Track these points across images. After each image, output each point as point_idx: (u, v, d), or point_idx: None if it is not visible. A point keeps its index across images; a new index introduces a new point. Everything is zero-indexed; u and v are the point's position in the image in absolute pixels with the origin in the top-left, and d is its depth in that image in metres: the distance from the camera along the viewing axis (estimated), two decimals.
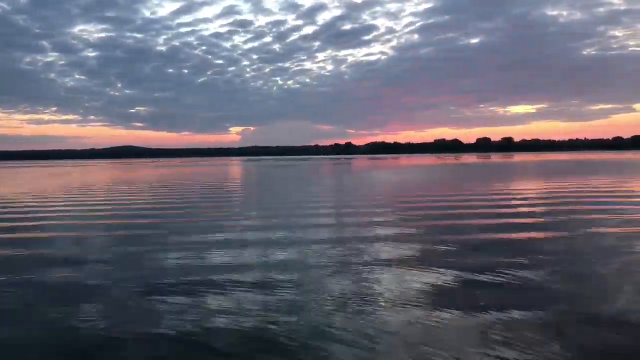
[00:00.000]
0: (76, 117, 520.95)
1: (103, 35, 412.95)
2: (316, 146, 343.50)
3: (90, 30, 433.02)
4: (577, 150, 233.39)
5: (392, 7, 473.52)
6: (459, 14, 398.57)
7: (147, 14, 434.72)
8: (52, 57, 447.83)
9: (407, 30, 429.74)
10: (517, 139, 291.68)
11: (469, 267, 7.62)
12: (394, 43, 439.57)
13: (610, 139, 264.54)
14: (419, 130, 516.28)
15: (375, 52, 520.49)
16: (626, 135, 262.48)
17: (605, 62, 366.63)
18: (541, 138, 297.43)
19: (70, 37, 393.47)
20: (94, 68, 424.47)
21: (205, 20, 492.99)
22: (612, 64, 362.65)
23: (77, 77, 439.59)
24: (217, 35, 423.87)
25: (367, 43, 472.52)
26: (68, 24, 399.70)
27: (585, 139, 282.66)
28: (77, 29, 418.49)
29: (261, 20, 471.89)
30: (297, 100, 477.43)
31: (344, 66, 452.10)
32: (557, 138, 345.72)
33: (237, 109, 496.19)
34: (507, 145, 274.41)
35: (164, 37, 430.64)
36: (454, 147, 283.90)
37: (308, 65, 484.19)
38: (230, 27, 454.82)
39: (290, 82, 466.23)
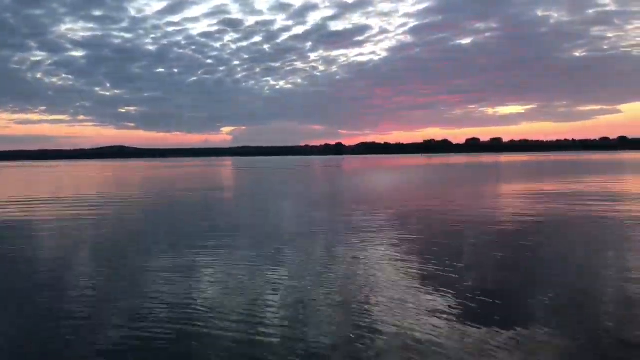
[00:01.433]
0: (65, 116, 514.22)
1: (90, 34, 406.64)
2: (306, 146, 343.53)
3: (76, 29, 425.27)
4: (564, 151, 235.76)
5: (384, 7, 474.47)
6: (451, 14, 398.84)
7: (134, 13, 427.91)
8: (38, 56, 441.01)
9: (399, 30, 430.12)
10: (507, 139, 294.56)
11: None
12: (386, 43, 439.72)
13: (597, 139, 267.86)
14: (410, 131, 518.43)
15: (367, 52, 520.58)
16: (613, 135, 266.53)
17: (595, 63, 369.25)
18: (532, 138, 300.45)
19: (57, 36, 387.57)
20: (82, 67, 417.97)
21: (194, 20, 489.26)
22: (602, 64, 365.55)
23: (66, 76, 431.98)
24: (206, 35, 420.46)
25: (359, 43, 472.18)
26: (54, 23, 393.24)
27: (573, 139, 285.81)
28: (64, 28, 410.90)
29: (250, 20, 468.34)
30: (288, 100, 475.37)
31: (335, 66, 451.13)
32: (546, 138, 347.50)
33: (228, 108, 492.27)
34: (496, 146, 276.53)
35: (152, 36, 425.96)
36: (443, 147, 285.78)
37: (299, 65, 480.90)
38: (219, 27, 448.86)
39: (281, 82, 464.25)
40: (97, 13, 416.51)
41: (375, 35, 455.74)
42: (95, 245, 12.29)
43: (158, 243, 12.33)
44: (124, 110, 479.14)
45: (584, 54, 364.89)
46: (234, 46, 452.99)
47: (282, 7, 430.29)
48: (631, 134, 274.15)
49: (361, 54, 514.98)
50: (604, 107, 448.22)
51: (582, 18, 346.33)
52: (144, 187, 36.58)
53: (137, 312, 6.78)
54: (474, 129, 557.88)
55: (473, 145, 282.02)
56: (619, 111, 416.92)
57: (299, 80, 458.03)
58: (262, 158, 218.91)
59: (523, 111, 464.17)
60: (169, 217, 18.01)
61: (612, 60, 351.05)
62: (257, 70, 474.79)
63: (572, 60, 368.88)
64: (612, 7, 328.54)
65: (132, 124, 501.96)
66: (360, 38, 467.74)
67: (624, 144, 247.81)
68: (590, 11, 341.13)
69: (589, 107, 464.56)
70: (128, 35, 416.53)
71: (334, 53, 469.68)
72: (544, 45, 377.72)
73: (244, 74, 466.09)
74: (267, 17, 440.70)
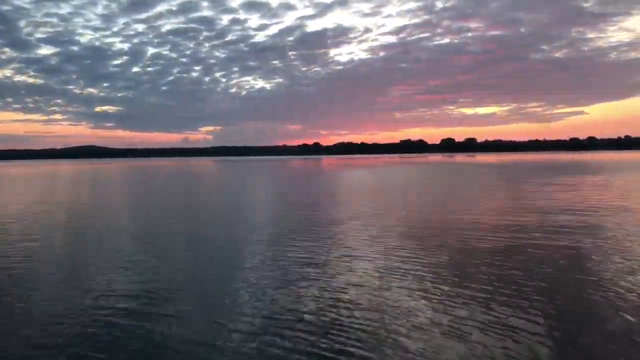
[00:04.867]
0: (40, 115, 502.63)
1: (59, 30, 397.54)
2: (284, 146, 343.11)
3: (45, 26, 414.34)
4: (536, 151, 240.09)
5: (364, 7, 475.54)
6: (432, 15, 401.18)
7: (102, 10, 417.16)
8: (7, 53, 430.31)
9: (379, 31, 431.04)
10: (489, 139, 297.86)
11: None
12: (366, 43, 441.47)
13: (568, 139, 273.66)
14: (389, 130, 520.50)
15: (346, 52, 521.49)
16: (583, 136, 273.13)
17: (573, 65, 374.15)
18: (509, 139, 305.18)
19: (25, 34, 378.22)
20: (54, 66, 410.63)
21: (165, 17, 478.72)
22: (579, 66, 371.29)
23: (36, 74, 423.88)
24: (179, 33, 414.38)
25: (339, 44, 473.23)
26: (21, 19, 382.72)
27: (545, 139, 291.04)
28: (32, 25, 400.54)
29: (224, 19, 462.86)
30: (268, 100, 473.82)
31: (315, 66, 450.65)
32: (523, 139, 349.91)
33: (208, 108, 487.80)
34: (470, 145, 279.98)
35: (124, 33, 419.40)
36: (419, 147, 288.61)
37: (279, 64, 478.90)
38: (192, 25, 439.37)
39: (260, 82, 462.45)
40: (66, 10, 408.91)
41: (354, 36, 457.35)
42: None
43: None
44: (101, 110, 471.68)
45: (562, 55, 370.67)
46: (208, 44, 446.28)
47: (259, 6, 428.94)
48: (600, 134, 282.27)
49: (341, 54, 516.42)
50: (577, 108, 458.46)
51: (563, 19, 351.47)
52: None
53: None
54: (452, 129, 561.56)
55: (448, 146, 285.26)
56: (589, 112, 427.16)
57: (279, 80, 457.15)
58: (235, 159, 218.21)
59: (500, 112, 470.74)
60: None
61: (589, 62, 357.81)
62: (235, 69, 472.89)
63: (551, 61, 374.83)
64: (593, 9, 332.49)
65: (110, 124, 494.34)
66: (339, 38, 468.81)
67: (593, 144, 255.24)
68: (572, 12, 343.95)
69: (565, 109, 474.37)
70: (98, 34, 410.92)
71: (314, 52, 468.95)
72: (524, 46, 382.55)
73: (222, 72, 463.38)
74: (242, 15, 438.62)
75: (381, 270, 8.27)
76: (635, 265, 8.41)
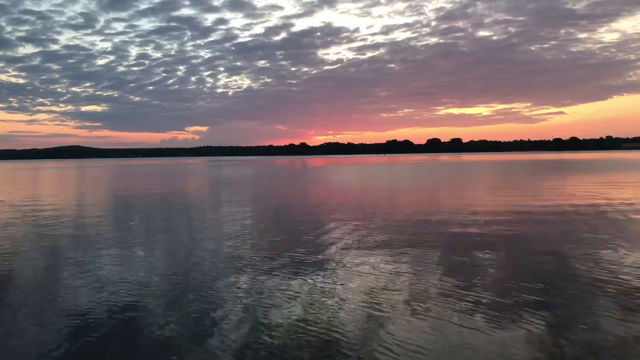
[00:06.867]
0: (24, 115, 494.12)
1: (38, 28, 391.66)
2: (270, 146, 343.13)
3: (25, 25, 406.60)
4: (522, 151, 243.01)
5: (352, 7, 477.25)
6: (419, 16, 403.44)
7: (82, 8, 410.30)
8: None
9: (367, 31, 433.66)
10: (475, 139, 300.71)
11: None
12: (354, 44, 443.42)
13: (551, 140, 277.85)
14: (376, 131, 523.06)
15: (334, 52, 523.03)
16: (566, 136, 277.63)
17: (562, 65, 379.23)
18: (496, 139, 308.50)
19: (7, 32, 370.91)
20: (38, 65, 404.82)
21: (147, 15, 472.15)
22: (569, 66, 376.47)
23: (20, 73, 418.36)
24: (163, 33, 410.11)
25: (327, 44, 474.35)
26: (1, 17, 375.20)
27: (529, 140, 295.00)
28: (13, 23, 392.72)
29: (210, 19, 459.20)
30: (255, 100, 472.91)
31: (302, 66, 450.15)
32: (508, 139, 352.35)
33: (193, 108, 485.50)
34: (456, 146, 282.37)
35: (107, 32, 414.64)
36: (405, 147, 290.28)
37: (266, 64, 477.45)
38: (176, 23, 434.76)
39: (248, 81, 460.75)
40: (45, 7, 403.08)
41: (344, 36, 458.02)
42: None
43: None
44: (85, 110, 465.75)
45: (550, 57, 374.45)
46: (192, 44, 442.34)
47: (244, 5, 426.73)
48: (583, 135, 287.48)
49: (328, 54, 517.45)
50: (561, 108, 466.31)
51: (551, 21, 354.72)
52: None
53: None
54: (438, 129, 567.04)
55: (434, 145, 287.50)
56: (573, 113, 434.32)
57: (267, 80, 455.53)
58: (222, 159, 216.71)
59: (487, 112, 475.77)
60: None
61: (575, 63, 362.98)
62: (221, 69, 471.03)
63: (538, 62, 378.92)
64: (582, 11, 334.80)
65: (96, 124, 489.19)
66: (329, 38, 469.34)
67: (576, 144, 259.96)
68: (560, 14, 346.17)
69: (550, 109, 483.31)
70: (80, 32, 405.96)
71: (302, 52, 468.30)
72: (511, 47, 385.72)
73: (209, 72, 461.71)
74: (226, 15, 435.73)
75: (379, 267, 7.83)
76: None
